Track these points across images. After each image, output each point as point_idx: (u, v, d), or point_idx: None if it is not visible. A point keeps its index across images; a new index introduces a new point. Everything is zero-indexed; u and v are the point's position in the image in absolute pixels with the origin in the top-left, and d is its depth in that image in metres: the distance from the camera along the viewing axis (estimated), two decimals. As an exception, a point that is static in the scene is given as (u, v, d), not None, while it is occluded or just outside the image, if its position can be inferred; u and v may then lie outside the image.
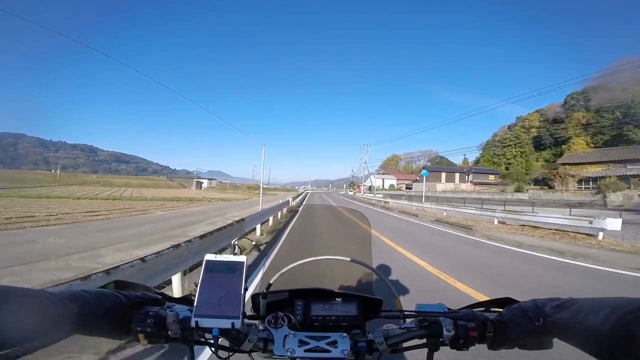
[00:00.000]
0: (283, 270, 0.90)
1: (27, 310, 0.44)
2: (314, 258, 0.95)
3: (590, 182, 40.80)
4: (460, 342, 0.63)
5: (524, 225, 13.20)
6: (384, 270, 5.02)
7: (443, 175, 68.59)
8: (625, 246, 9.04)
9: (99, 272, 2.47)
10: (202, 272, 0.62)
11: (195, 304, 0.58)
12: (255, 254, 2.84)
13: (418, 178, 67.87)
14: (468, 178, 66.32)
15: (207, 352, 0.55)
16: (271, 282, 0.85)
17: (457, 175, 69.39)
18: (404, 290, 3.83)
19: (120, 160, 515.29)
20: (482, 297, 4.33)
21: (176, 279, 3.88)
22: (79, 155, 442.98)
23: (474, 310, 0.69)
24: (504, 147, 74.15)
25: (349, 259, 0.94)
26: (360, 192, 73.01)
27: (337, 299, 0.82)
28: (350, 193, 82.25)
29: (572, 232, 11.04)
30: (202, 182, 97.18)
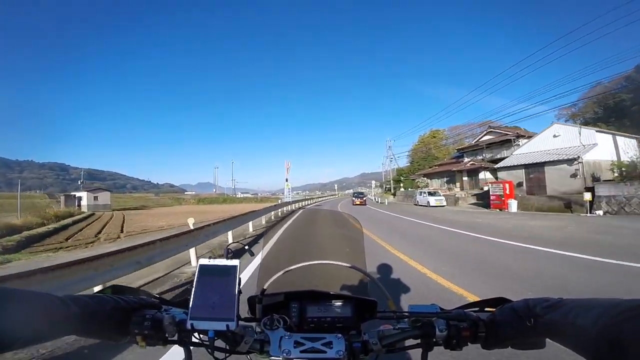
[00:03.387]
0: (279, 274, 0.87)
1: (32, 310, 0.44)
2: (312, 262, 0.91)
3: None
4: (453, 342, 0.62)
5: None
6: None
7: None
8: None
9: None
10: (196, 276, 0.61)
11: (190, 307, 0.58)
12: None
13: None
14: None
15: (205, 353, 0.62)
16: (266, 285, 0.83)
17: None
18: None
19: (95, 177, 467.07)
20: None
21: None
22: (47, 175, 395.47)
23: (466, 310, 0.67)
24: None
25: (348, 264, 0.93)
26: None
27: (332, 301, 0.81)
28: (430, 199, 27.46)
29: None
30: (79, 197, 48.66)
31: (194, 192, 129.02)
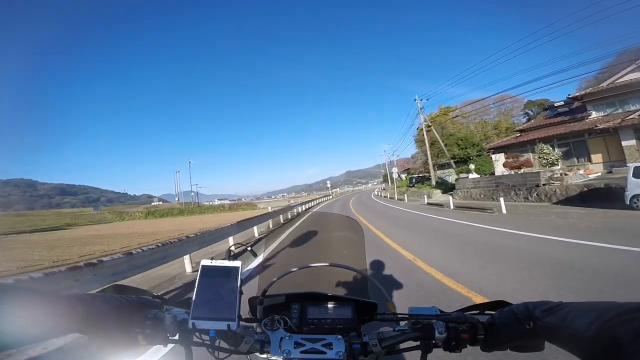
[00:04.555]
0: (280, 275, 0.87)
1: (36, 309, 0.43)
2: (313, 265, 0.91)
3: None
4: (452, 344, 0.61)
5: None
6: None
7: None
8: None
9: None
10: (198, 277, 0.61)
11: (192, 306, 0.58)
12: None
13: None
14: None
15: (206, 353, 0.62)
16: (267, 286, 0.83)
17: None
18: None
19: (66, 192, 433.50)
20: None
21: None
22: (11, 192, 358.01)
23: (466, 313, 0.67)
24: None
25: (349, 266, 0.93)
26: None
27: (332, 302, 0.80)
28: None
29: None
30: None
31: (160, 202, 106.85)
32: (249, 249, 0.95)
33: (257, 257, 1.05)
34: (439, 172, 34.51)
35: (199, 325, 0.56)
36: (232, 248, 0.81)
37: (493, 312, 0.63)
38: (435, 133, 30.98)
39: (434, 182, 30.03)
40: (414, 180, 39.82)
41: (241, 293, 0.60)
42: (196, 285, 0.60)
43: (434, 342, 0.62)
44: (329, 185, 74.32)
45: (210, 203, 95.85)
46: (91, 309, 0.51)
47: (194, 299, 0.58)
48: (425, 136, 31.66)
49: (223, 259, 0.65)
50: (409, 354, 0.68)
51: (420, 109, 31.42)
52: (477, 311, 0.68)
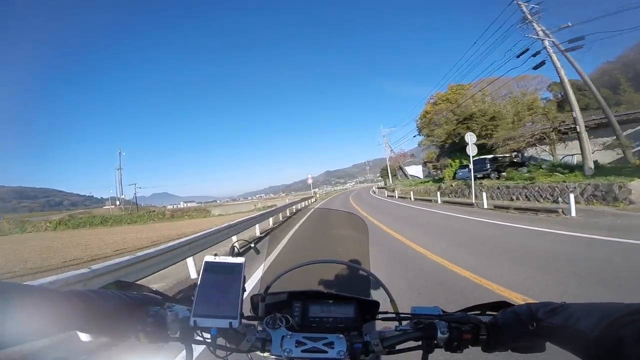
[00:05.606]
0: (282, 273, 0.86)
1: (36, 306, 0.42)
2: (316, 261, 0.90)
3: None
4: (454, 345, 0.61)
5: None
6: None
7: None
8: None
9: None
10: (201, 273, 0.60)
11: (194, 304, 0.57)
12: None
13: None
14: None
15: (206, 351, 0.59)
16: (270, 284, 0.82)
17: None
18: None
19: (24, 196, 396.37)
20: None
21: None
22: None
23: (468, 313, 0.66)
24: None
25: (352, 264, 0.97)
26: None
27: (334, 301, 0.80)
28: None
29: None
30: None
31: (113, 206, 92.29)
32: (252, 245, 0.96)
33: (261, 254, 0.90)
34: (536, 152, 19.56)
35: (201, 323, 0.55)
36: (236, 245, 0.81)
37: (495, 313, 0.62)
38: (579, 68, 15.08)
39: (590, 164, 13.46)
40: (488, 167, 19.06)
41: (244, 290, 0.59)
42: (199, 282, 0.58)
43: (435, 342, 0.61)
44: (310, 182, 59.48)
45: (175, 206, 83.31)
46: (92, 305, 0.50)
47: (196, 295, 0.57)
48: (556, 64, 14.25)
49: (227, 256, 0.63)
50: (410, 354, 0.68)
51: (532, 20, 14.19)
52: (479, 312, 0.67)
